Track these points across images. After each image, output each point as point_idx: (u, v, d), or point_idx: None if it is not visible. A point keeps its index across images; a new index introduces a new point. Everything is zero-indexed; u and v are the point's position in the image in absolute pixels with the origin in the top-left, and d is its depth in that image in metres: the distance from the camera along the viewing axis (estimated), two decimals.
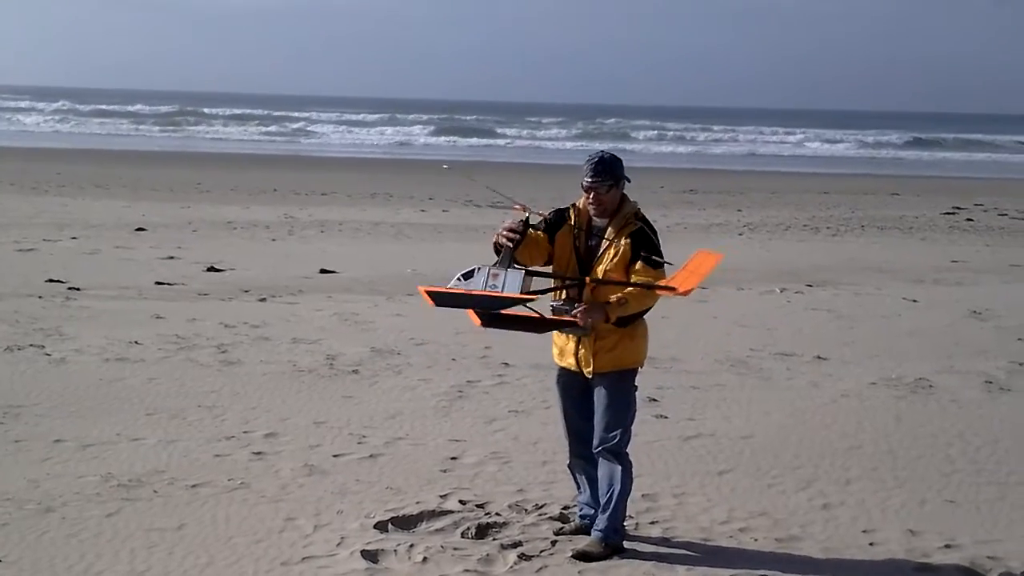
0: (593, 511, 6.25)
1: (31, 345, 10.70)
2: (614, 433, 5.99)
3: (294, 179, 32.72)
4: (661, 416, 8.94)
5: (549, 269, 6.06)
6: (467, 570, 5.86)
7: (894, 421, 9.05)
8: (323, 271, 16.26)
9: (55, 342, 10.89)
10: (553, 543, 6.23)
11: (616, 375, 5.99)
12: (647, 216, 6.01)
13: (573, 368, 6.09)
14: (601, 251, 5.89)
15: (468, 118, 71.69)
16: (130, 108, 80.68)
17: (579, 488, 6.44)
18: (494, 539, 6.31)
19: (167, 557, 5.96)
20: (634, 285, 5.75)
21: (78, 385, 9.39)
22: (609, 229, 5.89)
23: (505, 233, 5.79)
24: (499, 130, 71.82)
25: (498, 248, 5.83)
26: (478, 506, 6.81)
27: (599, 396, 6.02)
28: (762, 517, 6.79)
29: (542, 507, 6.82)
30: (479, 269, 5.82)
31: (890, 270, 18.22)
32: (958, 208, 29.46)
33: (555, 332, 6.12)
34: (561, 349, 6.16)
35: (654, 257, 5.82)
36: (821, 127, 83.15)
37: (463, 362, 10.74)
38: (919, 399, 9.79)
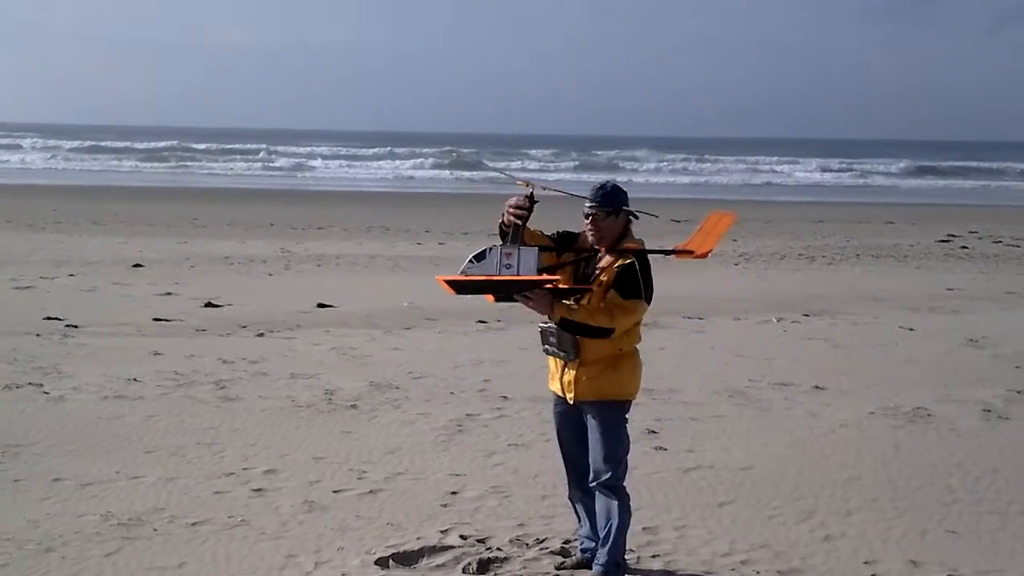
0: (594, 544, 6.24)
1: (29, 383, 10.69)
2: (606, 467, 5.98)
3: (290, 213, 32.77)
4: (660, 448, 8.94)
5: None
6: None
7: (893, 451, 9.06)
8: (320, 305, 16.26)
9: (53, 380, 10.89)
10: None
11: (601, 406, 5.97)
12: (647, 252, 5.98)
13: (559, 393, 6.13)
14: (593, 279, 5.92)
15: (466, 150, 71.71)
16: (126, 144, 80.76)
17: (579, 521, 6.44)
18: (495, 574, 6.30)
19: None
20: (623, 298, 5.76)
21: (77, 423, 9.38)
22: (606, 259, 5.92)
23: (511, 211, 5.76)
24: (499, 163, 71.93)
25: (504, 230, 5.83)
26: (479, 541, 6.80)
27: (590, 428, 6.03)
28: (763, 549, 6.79)
29: (543, 541, 6.81)
30: (491, 250, 5.76)
31: (886, 299, 18.26)
32: (953, 236, 29.54)
33: (549, 358, 6.13)
34: (552, 374, 6.19)
35: (631, 287, 5.78)
36: (820, 156, 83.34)
37: (461, 395, 10.74)
38: (918, 428, 9.80)
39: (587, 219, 5.92)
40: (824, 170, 72.04)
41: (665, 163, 74.48)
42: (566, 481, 6.40)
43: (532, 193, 5.82)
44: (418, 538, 6.83)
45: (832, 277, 21.34)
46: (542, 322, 6.02)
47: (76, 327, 13.89)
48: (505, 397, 10.65)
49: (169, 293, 17.15)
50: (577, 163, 74.62)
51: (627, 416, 6.09)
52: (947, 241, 28.38)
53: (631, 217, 5.96)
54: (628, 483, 6.11)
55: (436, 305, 16.35)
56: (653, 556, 6.62)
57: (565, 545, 6.70)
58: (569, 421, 6.18)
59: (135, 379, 11.01)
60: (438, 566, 6.43)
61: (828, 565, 6.56)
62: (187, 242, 24.66)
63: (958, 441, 9.40)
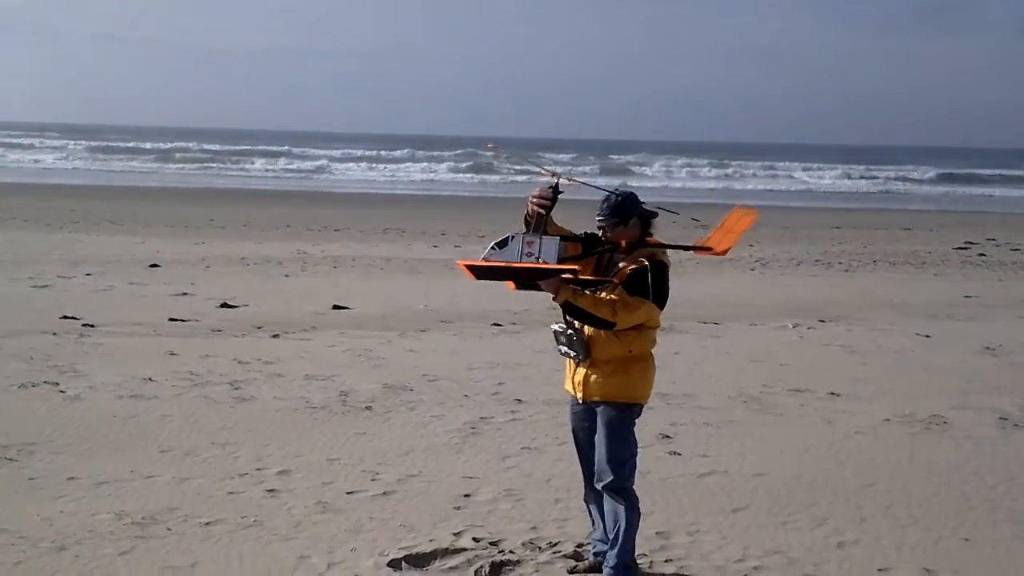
0: (606, 548, 6.24)
1: (45, 382, 10.73)
2: (608, 468, 5.99)
3: (307, 215, 32.84)
4: (674, 453, 8.92)
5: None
6: None
7: (908, 458, 9.02)
8: (336, 307, 16.28)
9: (69, 379, 10.92)
10: None
11: (609, 407, 5.98)
12: (663, 260, 5.93)
13: (571, 392, 6.16)
14: (613, 274, 5.94)
15: (486, 154, 71.65)
16: (146, 145, 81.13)
17: (593, 524, 6.43)
18: None
19: None
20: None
21: (92, 422, 9.41)
22: (622, 263, 5.93)
23: (536, 200, 5.78)
24: (510, 166, 71.83)
25: (528, 220, 5.83)
26: (492, 544, 6.79)
27: (597, 428, 6.06)
28: (777, 555, 6.76)
29: (556, 545, 6.80)
30: (513, 237, 5.76)
31: (903, 305, 18.20)
32: (970, 243, 29.44)
33: (566, 359, 6.14)
34: (566, 374, 6.20)
35: (638, 285, 5.78)
36: (848, 162, 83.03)
37: (476, 398, 10.74)
38: (933, 436, 9.76)
39: (599, 231, 5.96)
40: (848, 176, 71.80)
41: (686, 168, 74.40)
42: (583, 482, 6.40)
43: (557, 184, 5.84)
44: (431, 540, 6.83)
45: (849, 283, 21.28)
46: (555, 323, 6.03)
47: (92, 326, 13.94)
48: (519, 400, 10.65)
49: (185, 293, 17.20)
50: (597, 167, 74.52)
51: (636, 420, 6.08)
52: (965, 248, 28.28)
53: (650, 219, 5.95)
54: (641, 487, 6.11)
55: (451, 308, 16.38)
56: (666, 560, 6.61)
57: (578, 549, 6.69)
58: (583, 421, 6.20)
59: (150, 379, 11.04)
60: (451, 568, 6.42)
61: (842, 572, 6.54)
62: (204, 243, 24.73)
63: (974, 449, 9.36)
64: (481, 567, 6.40)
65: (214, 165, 68.59)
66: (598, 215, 5.94)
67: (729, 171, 73.44)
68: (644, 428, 6.14)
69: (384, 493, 7.78)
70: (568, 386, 6.18)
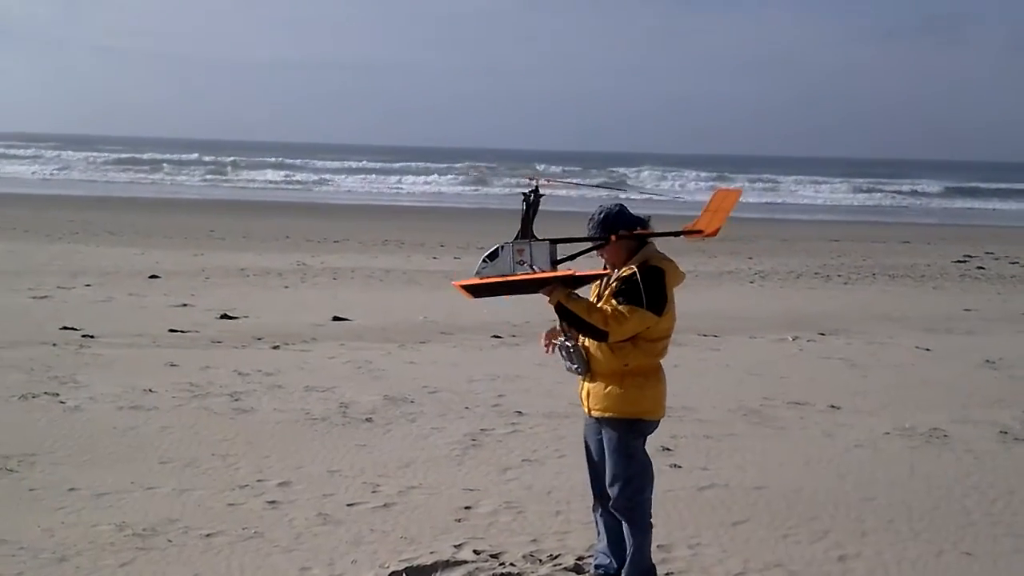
0: (608, 561, 6.26)
1: (46, 393, 10.72)
2: (613, 487, 5.99)
3: (307, 226, 32.85)
4: (675, 465, 8.92)
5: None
6: None
7: (908, 471, 9.02)
8: (336, 318, 16.29)
9: (70, 390, 10.92)
10: None
11: (608, 422, 5.96)
12: (658, 265, 5.87)
13: (581, 405, 6.14)
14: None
15: (489, 165, 71.57)
16: (146, 156, 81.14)
17: (598, 534, 6.42)
18: None
19: None
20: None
21: (92, 433, 9.41)
22: (615, 274, 5.92)
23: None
24: (513, 179, 71.74)
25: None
26: (492, 556, 6.79)
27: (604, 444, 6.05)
28: (777, 568, 6.76)
29: (556, 557, 6.80)
30: (503, 248, 5.76)
31: (902, 318, 18.21)
32: (969, 256, 29.48)
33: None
34: (577, 388, 6.19)
35: (628, 292, 5.73)
36: (852, 176, 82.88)
37: (476, 410, 10.74)
38: (933, 449, 9.76)
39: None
40: (859, 190, 71.69)
41: (681, 179, 74.40)
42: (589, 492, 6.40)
43: (537, 187, 5.85)
44: (431, 552, 6.82)
45: (848, 296, 21.30)
46: (557, 339, 6.02)
47: (92, 337, 13.94)
48: (520, 412, 10.65)
49: (185, 304, 17.20)
50: (600, 180, 74.46)
51: (644, 436, 6.04)
52: (963, 262, 28.31)
53: (637, 227, 5.91)
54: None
55: (451, 319, 16.38)
56: (667, 574, 6.61)
57: (578, 561, 6.69)
58: (593, 433, 6.18)
59: (150, 390, 11.04)
60: None
61: None
62: (204, 254, 24.74)
63: (974, 463, 9.36)
64: None
65: (214, 176, 68.57)
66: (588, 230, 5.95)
67: (730, 184, 73.41)
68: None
69: (385, 505, 7.78)
70: (579, 398, 6.18)
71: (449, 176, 70.38)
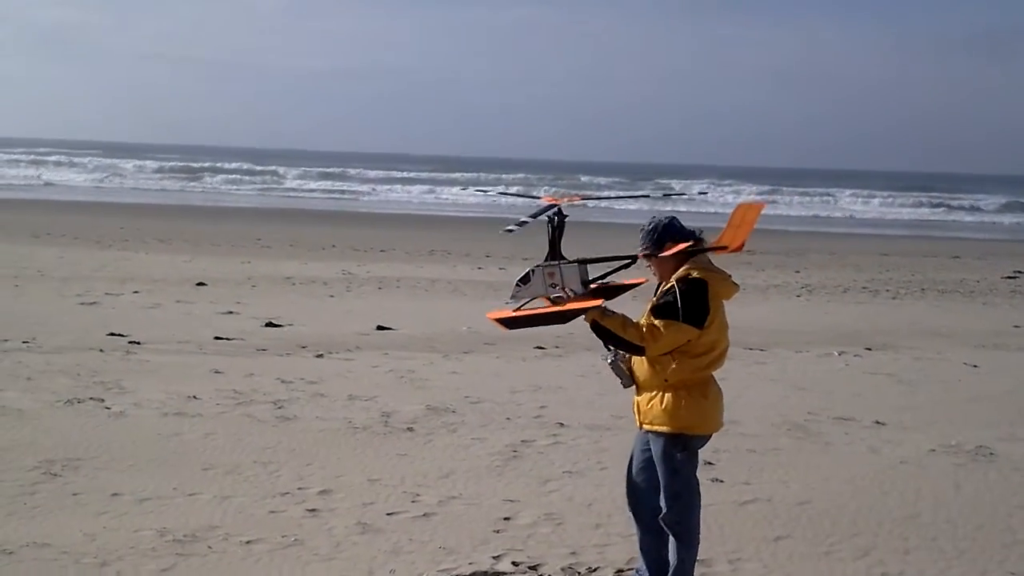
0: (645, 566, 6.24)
1: (91, 398, 10.82)
2: (664, 502, 5.98)
3: (353, 235, 32.99)
4: (717, 480, 8.86)
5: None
6: None
7: (954, 489, 8.91)
8: (380, 328, 16.33)
9: (115, 395, 11.02)
10: None
11: (656, 437, 5.95)
12: (702, 277, 5.83)
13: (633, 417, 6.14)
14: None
15: (537, 176, 71.53)
16: (193, 164, 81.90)
17: (637, 534, 6.38)
18: None
19: None
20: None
21: (136, 439, 9.48)
22: (660, 287, 5.91)
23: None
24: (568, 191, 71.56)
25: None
26: (531, 568, 6.77)
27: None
28: None
29: (595, 570, 6.77)
30: (534, 272, 5.80)
31: (950, 334, 18.01)
32: (1020, 272, 29.12)
33: None
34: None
35: (664, 306, 5.73)
36: (910, 190, 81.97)
37: (518, 421, 10.72)
38: (979, 467, 9.63)
39: (644, 258, 5.95)
40: (912, 204, 70.90)
41: (735, 191, 73.99)
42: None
43: (560, 208, 5.88)
44: (470, 563, 6.82)
45: (896, 311, 21.10)
46: (604, 355, 6.01)
47: (139, 343, 14.05)
48: (561, 424, 10.62)
49: (231, 312, 17.31)
50: (647, 193, 74.06)
51: (692, 452, 5.99)
52: (1014, 277, 27.98)
53: (688, 239, 5.86)
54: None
55: (495, 330, 16.31)
56: None
57: (618, 574, 6.66)
58: (641, 444, 6.16)
59: (195, 396, 11.11)
60: None
61: None
62: (251, 262, 24.90)
63: (1022, 481, 9.23)
64: None
65: (262, 184, 69.12)
66: (640, 245, 5.95)
67: (781, 197, 72.99)
68: None
69: (424, 515, 7.78)
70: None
71: (500, 187, 70.47)
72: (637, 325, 5.69)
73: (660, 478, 5.97)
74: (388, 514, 7.77)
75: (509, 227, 6.11)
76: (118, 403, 10.70)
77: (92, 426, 9.81)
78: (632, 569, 6.55)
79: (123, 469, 8.59)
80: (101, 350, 13.45)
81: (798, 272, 27.06)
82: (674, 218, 5.93)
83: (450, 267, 25.67)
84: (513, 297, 5.83)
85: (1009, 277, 28.01)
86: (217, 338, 14.79)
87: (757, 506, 8.26)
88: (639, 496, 6.15)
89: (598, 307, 5.72)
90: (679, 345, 5.73)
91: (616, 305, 5.94)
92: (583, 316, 5.75)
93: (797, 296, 22.96)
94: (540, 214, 5.94)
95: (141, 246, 27.36)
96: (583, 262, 5.85)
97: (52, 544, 6.87)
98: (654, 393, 5.87)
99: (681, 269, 5.82)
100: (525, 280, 5.79)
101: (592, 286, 5.86)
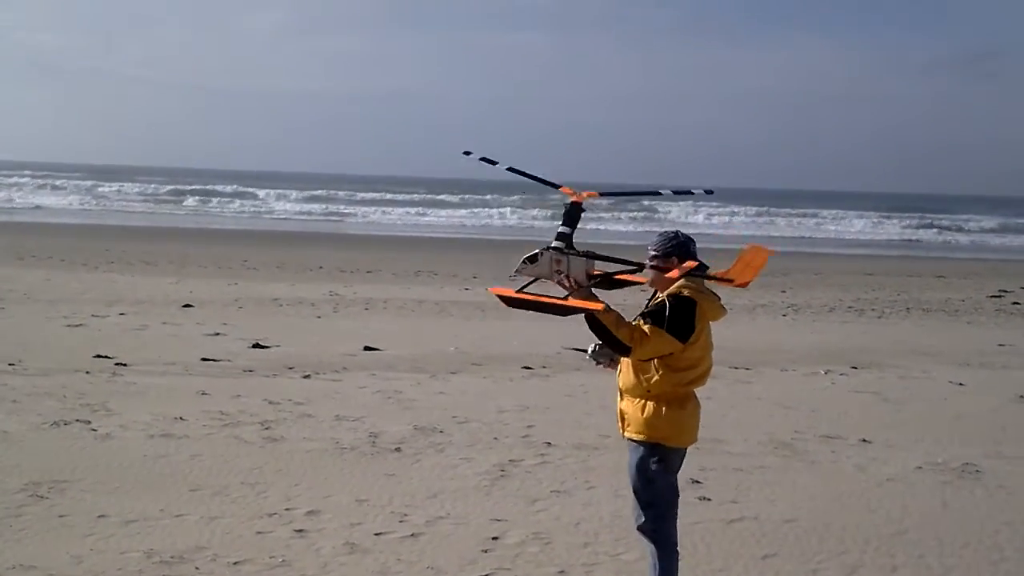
0: None
1: (77, 420, 10.80)
2: (637, 509, 6.02)
3: (340, 257, 32.96)
4: (704, 498, 8.88)
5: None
6: None
7: (940, 507, 8.94)
8: (367, 348, 16.33)
9: (101, 417, 10.99)
10: None
11: (633, 445, 5.99)
12: (692, 296, 5.89)
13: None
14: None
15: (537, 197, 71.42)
16: (178, 186, 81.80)
17: None
18: None
19: None
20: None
21: (123, 461, 9.46)
22: (651, 300, 5.97)
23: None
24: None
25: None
26: None
27: None
28: None
29: None
30: (542, 253, 5.83)
31: (936, 353, 18.06)
32: (1004, 291, 29.23)
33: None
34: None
35: (653, 313, 5.79)
36: (898, 211, 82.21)
37: (505, 441, 10.73)
38: (966, 484, 9.67)
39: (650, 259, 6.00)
40: (899, 225, 71.17)
41: (725, 215, 74.11)
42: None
43: (579, 202, 5.93)
44: None
45: (881, 330, 21.16)
46: (589, 349, 6.07)
47: (125, 365, 14.03)
48: (549, 443, 10.63)
49: (218, 333, 17.28)
50: (635, 216, 74.12)
51: (668, 463, 6.01)
52: (999, 296, 28.08)
53: (689, 261, 5.88)
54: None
55: (482, 350, 16.39)
56: None
57: None
58: (628, 453, 6.18)
59: (181, 418, 11.09)
60: None
61: None
62: (237, 283, 24.87)
63: (1007, 499, 9.26)
64: None
65: (247, 207, 69.05)
66: (649, 244, 6.01)
67: (766, 218, 73.17)
68: None
69: (412, 535, 7.78)
70: None
71: (500, 208, 70.64)
72: (629, 325, 5.74)
73: (634, 486, 6.01)
74: (376, 534, 7.76)
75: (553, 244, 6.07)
76: (104, 425, 10.67)
77: (78, 448, 9.79)
78: None
79: (110, 491, 8.57)
80: (87, 372, 13.41)
81: (784, 292, 27.12)
82: (692, 239, 6.02)
83: (437, 288, 25.67)
84: (517, 272, 5.88)
85: (994, 296, 28.11)
86: (204, 359, 14.77)
87: (744, 524, 8.28)
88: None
89: (597, 301, 5.77)
90: (662, 354, 5.79)
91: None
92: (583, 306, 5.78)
93: (783, 315, 23.01)
94: (575, 220, 5.99)
95: (127, 268, 27.31)
96: (591, 256, 5.89)
97: (38, 567, 6.85)
98: (636, 401, 5.92)
99: (674, 285, 5.88)
100: (533, 259, 5.81)
101: (595, 275, 5.92)
